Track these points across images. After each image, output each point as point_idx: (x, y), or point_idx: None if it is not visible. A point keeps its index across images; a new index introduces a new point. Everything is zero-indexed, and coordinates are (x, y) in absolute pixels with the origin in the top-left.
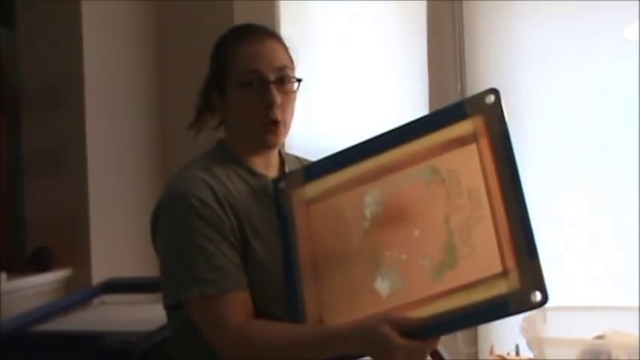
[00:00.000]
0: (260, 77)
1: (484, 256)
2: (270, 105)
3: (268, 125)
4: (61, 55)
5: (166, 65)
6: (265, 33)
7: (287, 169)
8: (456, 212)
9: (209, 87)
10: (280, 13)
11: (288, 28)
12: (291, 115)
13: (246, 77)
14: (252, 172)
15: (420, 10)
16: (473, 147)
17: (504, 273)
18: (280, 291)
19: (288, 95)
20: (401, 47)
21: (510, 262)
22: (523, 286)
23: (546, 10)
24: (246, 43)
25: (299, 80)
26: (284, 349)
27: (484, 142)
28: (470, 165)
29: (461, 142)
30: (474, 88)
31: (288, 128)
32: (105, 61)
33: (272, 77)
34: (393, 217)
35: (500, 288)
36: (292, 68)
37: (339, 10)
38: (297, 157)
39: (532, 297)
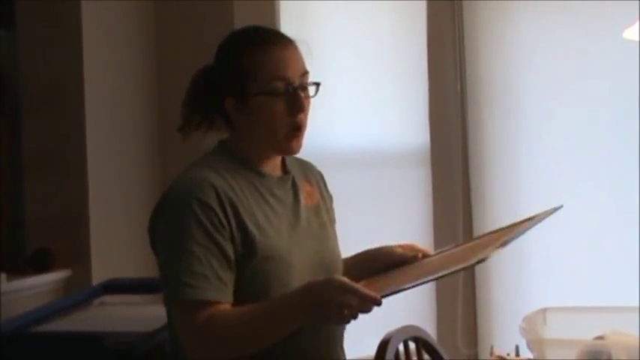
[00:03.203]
0: (288, 84)
1: None
2: (298, 111)
3: (293, 131)
4: (60, 56)
5: (166, 66)
6: (286, 39)
7: (288, 167)
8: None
9: (215, 90)
10: (280, 13)
11: (288, 29)
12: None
13: (275, 85)
14: (259, 172)
15: (420, 11)
16: None
17: None
18: (284, 280)
19: (308, 100)
20: (401, 47)
21: None
22: None
23: (546, 10)
24: (271, 50)
25: (317, 84)
26: (246, 328)
27: None
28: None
29: None
30: (474, 88)
31: (305, 133)
32: (105, 62)
33: (297, 83)
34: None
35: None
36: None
37: (338, 10)
38: (296, 158)
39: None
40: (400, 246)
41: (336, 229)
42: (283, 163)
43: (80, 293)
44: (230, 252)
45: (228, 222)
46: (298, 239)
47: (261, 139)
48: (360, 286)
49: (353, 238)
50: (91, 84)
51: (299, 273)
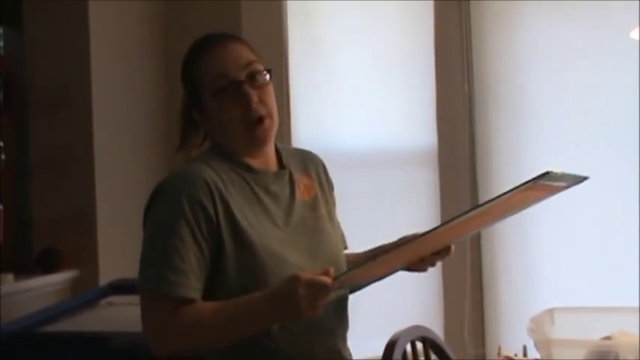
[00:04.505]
0: (231, 80)
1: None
2: (248, 104)
3: (253, 124)
4: (68, 56)
5: (173, 65)
6: (224, 37)
7: (284, 161)
8: None
9: (188, 107)
10: (287, 13)
11: (295, 29)
12: (274, 107)
13: (218, 84)
14: (252, 170)
15: (428, 11)
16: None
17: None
18: (275, 273)
19: (264, 88)
20: (408, 47)
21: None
22: None
23: (554, 10)
24: (208, 52)
25: (269, 71)
26: (217, 326)
27: None
28: None
29: None
30: (481, 88)
31: (276, 121)
32: (112, 62)
33: (242, 76)
34: None
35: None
36: (259, 62)
37: (345, 10)
38: (295, 149)
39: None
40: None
41: (337, 218)
42: (279, 157)
43: (88, 293)
44: (207, 252)
45: (217, 215)
46: (290, 236)
47: (230, 139)
48: (313, 276)
49: (360, 237)
50: (98, 83)
51: (293, 267)
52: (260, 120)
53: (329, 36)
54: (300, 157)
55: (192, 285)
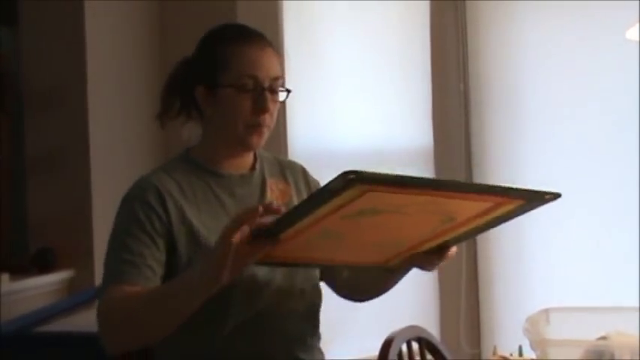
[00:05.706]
0: (257, 83)
1: (472, 207)
2: (262, 111)
3: (254, 127)
4: (64, 55)
5: (169, 65)
6: (265, 40)
7: (257, 167)
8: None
9: (190, 78)
10: (284, 13)
11: (291, 29)
12: (274, 122)
13: (244, 81)
14: (216, 173)
15: (423, 11)
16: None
17: (498, 204)
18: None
19: (276, 103)
20: (404, 47)
21: (498, 199)
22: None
23: (549, 10)
24: (248, 46)
25: (288, 91)
26: (146, 302)
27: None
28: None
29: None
30: (477, 88)
31: (269, 133)
32: (108, 61)
33: (266, 84)
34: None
35: (509, 207)
36: (283, 79)
37: (341, 10)
38: (275, 157)
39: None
40: None
41: None
42: (254, 162)
43: (83, 293)
44: (162, 248)
45: (169, 219)
46: None
47: (223, 132)
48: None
49: None
50: (94, 83)
51: (253, 269)
52: (260, 127)
53: (325, 36)
54: (279, 164)
55: (141, 273)
